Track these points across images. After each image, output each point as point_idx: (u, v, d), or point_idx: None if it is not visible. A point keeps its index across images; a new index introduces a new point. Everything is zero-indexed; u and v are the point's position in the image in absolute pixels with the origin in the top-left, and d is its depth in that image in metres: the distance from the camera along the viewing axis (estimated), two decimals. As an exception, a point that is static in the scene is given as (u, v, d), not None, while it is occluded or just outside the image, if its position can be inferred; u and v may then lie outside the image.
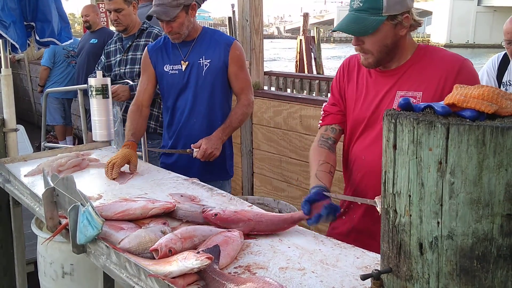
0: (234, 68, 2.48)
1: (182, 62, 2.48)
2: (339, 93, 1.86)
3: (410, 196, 0.88)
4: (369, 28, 1.55)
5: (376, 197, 1.52)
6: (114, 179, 2.13)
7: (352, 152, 1.82)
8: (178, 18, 2.33)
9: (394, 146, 0.90)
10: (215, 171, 2.53)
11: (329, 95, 2.06)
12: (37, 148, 5.27)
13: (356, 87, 1.79)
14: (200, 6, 2.48)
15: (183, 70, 2.48)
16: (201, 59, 2.45)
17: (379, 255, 1.02)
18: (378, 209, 1.51)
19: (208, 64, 2.45)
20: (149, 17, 2.39)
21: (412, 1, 1.59)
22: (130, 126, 2.50)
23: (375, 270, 0.96)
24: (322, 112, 1.93)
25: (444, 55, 1.64)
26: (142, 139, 2.87)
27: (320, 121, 1.93)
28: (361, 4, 1.56)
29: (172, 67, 2.50)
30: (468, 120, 0.84)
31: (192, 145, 2.37)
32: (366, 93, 1.75)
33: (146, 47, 2.63)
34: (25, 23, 2.69)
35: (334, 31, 1.68)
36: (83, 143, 3.11)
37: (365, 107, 1.74)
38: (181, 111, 2.53)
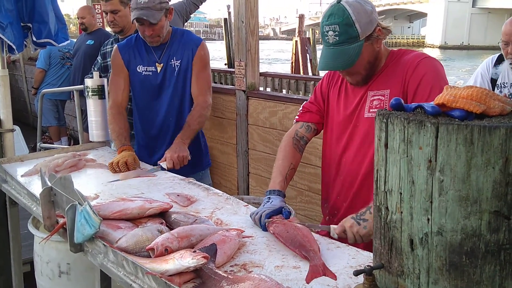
0: (196, 68, 2.53)
1: (157, 64, 2.53)
2: (321, 95, 1.92)
3: (401, 193, 0.91)
4: (354, 57, 1.60)
5: (331, 225, 1.62)
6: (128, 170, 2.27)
7: (333, 156, 1.87)
8: (160, 22, 2.40)
9: (386, 145, 0.93)
10: (194, 165, 2.56)
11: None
12: (32, 149, 5.26)
13: (338, 91, 1.85)
14: (199, 7, 2.53)
15: (158, 72, 2.53)
16: (172, 60, 2.52)
17: (372, 255, 1.05)
18: (331, 234, 1.60)
19: (179, 64, 2.52)
20: (137, 20, 2.39)
21: (376, 12, 1.64)
22: (119, 131, 2.50)
23: (368, 266, 0.98)
24: (300, 108, 1.98)
25: (409, 56, 1.68)
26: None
27: (297, 116, 1.98)
28: (337, 38, 1.59)
29: (146, 68, 2.54)
30: (457, 119, 0.86)
31: (158, 162, 2.34)
32: (345, 97, 1.82)
33: (116, 46, 2.64)
34: (22, 24, 2.71)
35: (321, 70, 1.70)
36: (78, 144, 3.12)
37: (342, 110, 1.81)
38: (157, 111, 2.57)
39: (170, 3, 2.50)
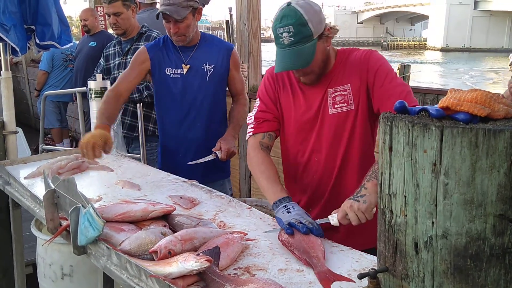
0: (233, 72, 2.59)
1: (183, 65, 2.50)
2: (271, 100, 1.89)
3: (405, 196, 0.90)
4: (310, 56, 1.65)
5: (329, 216, 1.58)
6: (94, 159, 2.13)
7: (300, 156, 1.86)
8: (186, 20, 2.38)
9: (390, 148, 0.93)
10: (217, 172, 2.56)
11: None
12: (34, 151, 5.27)
13: (291, 93, 1.86)
14: (204, 6, 2.51)
15: (184, 73, 2.50)
16: (204, 64, 2.51)
17: (377, 258, 1.04)
18: (332, 223, 1.57)
19: (212, 69, 2.51)
20: (158, 15, 2.35)
21: (322, 12, 1.73)
22: (104, 110, 2.37)
23: (372, 269, 0.98)
24: (252, 120, 1.91)
25: (358, 52, 1.81)
26: (140, 140, 2.88)
27: (252, 129, 1.90)
28: (292, 38, 1.62)
29: (174, 71, 2.52)
30: (461, 123, 0.86)
31: (213, 149, 2.38)
32: (304, 98, 1.83)
33: (144, 46, 2.61)
34: (25, 26, 2.72)
35: (279, 71, 1.70)
36: (81, 146, 3.12)
37: (304, 111, 1.82)
38: (185, 114, 2.54)
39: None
